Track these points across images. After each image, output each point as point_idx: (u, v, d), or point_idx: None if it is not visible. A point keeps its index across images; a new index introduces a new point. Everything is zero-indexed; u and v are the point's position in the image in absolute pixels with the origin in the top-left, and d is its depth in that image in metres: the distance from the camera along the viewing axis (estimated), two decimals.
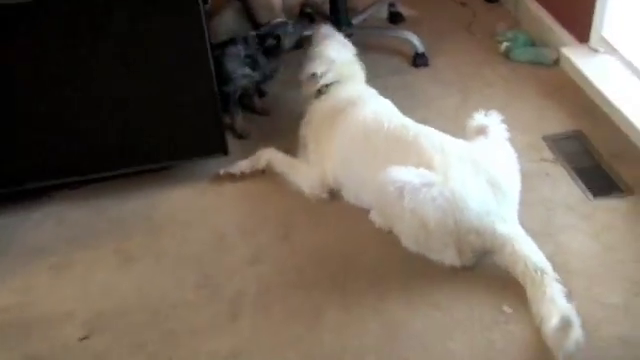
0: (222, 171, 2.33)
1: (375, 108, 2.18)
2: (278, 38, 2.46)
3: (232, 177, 2.33)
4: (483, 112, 2.10)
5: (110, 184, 2.34)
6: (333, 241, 2.09)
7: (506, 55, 2.79)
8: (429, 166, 1.92)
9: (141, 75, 2.11)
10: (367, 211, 2.12)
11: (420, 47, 2.81)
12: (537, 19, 2.85)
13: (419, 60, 2.82)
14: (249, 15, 2.53)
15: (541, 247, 1.93)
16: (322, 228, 2.13)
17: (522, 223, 1.96)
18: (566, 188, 2.19)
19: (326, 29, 2.45)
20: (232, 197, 2.29)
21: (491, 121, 2.06)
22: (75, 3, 1.96)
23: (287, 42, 2.49)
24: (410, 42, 2.82)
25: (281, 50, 2.48)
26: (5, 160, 2.20)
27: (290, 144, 2.36)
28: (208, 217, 2.22)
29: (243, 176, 2.33)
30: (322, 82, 2.32)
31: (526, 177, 2.12)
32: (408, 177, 1.89)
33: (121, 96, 2.14)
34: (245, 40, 2.44)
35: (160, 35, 2.05)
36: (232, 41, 2.44)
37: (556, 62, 2.70)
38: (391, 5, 3.12)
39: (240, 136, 2.50)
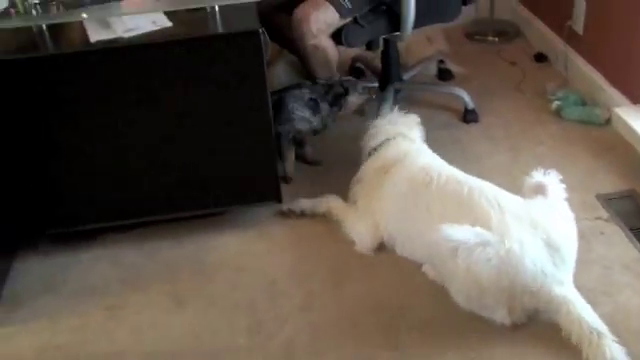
0: (285, 207, 2.37)
1: (422, 163, 2.20)
2: (346, 90, 2.52)
3: (288, 216, 2.38)
4: (542, 170, 2.07)
5: (161, 228, 2.37)
6: (386, 291, 2.07)
7: (557, 114, 2.81)
8: (486, 223, 1.91)
9: (199, 122, 2.16)
10: (420, 262, 2.12)
11: (470, 103, 2.84)
12: (588, 79, 2.87)
13: (469, 116, 2.84)
14: (307, 71, 2.59)
15: (599, 306, 1.91)
16: (375, 277, 2.13)
17: (579, 281, 1.94)
18: (622, 247, 2.17)
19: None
20: (283, 243, 2.30)
21: (550, 180, 2.04)
22: (136, 51, 2.02)
23: (354, 99, 2.55)
24: (461, 98, 2.85)
25: (346, 103, 2.53)
26: (59, 201, 2.24)
27: (341, 193, 2.37)
28: (259, 262, 2.23)
29: (299, 217, 2.37)
30: (371, 145, 2.37)
31: (581, 235, 2.09)
32: (463, 236, 1.86)
33: (177, 142, 2.19)
34: (312, 85, 2.50)
35: (220, 82, 2.10)
36: (299, 85, 2.50)
37: (607, 122, 2.71)
38: (441, 62, 3.17)
39: (284, 179, 2.53)
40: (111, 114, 2.11)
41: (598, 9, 2.81)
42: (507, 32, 3.45)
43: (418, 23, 2.54)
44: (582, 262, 2.02)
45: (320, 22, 2.38)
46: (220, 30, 2.03)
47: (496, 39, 3.42)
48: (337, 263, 2.19)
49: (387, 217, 2.19)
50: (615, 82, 2.73)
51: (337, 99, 2.53)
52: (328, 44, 2.45)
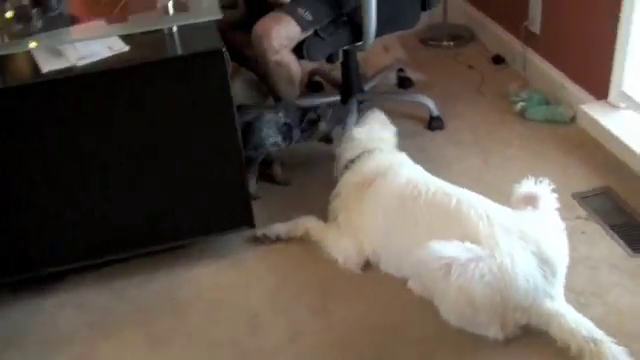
0: (259, 232, 2.25)
1: (408, 175, 2.13)
2: (319, 116, 2.47)
3: (262, 242, 2.26)
4: (532, 179, 2.02)
5: (128, 264, 2.22)
6: (375, 311, 1.99)
7: (521, 115, 2.79)
8: (474, 237, 1.85)
9: (164, 149, 2.04)
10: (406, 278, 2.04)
11: (435, 110, 2.80)
12: (548, 78, 2.86)
13: (435, 123, 2.80)
14: (269, 88, 2.51)
15: (590, 308, 1.90)
16: (361, 297, 2.04)
17: (567, 284, 1.91)
18: (605, 245, 2.15)
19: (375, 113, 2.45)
20: (260, 270, 2.20)
21: (542, 190, 1.99)
22: (92, 79, 1.88)
23: (324, 126, 2.49)
24: (425, 105, 2.81)
25: (317, 129, 2.47)
26: (18, 246, 2.08)
27: (315, 213, 2.29)
28: (237, 293, 2.12)
29: (274, 242, 2.26)
30: (347, 157, 2.29)
31: None
32: (454, 252, 1.80)
33: (142, 172, 2.06)
34: (286, 108, 2.43)
35: (184, 105, 1.98)
36: (273, 107, 2.42)
37: (572, 119, 2.70)
38: (400, 70, 3.12)
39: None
40: (67, 148, 1.96)
41: (554, 8, 2.81)
42: (461, 36, 3.43)
43: (379, 32, 2.48)
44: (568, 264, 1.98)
45: (281, 37, 2.29)
46: (181, 51, 1.92)
47: (451, 43, 3.39)
48: (319, 286, 2.10)
49: (371, 233, 2.10)
50: (577, 79, 2.73)
51: (310, 125, 2.47)
52: (291, 59, 2.36)
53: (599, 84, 2.58)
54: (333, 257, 2.15)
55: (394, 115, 2.87)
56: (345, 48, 2.58)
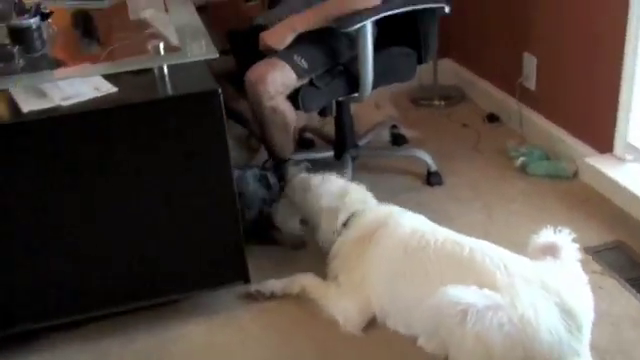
0: (253, 288, 2.10)
1: (412, 225, 2.00)
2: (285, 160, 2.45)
3: (256, 298, 2.12)
4: (551, 229, 1.90)
5: (112, 322, 2.05)
6: None
7: (522, 170, 2.71)
8: (492, 287, 1.71)
9: (153, 197, 1.90)
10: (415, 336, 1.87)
11: (433, 165, 2.71)
12: (546, 133, 2.80)
13: (433, 179, 2.70)
14: (262, 138, 2.42)
15: None
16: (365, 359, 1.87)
17: (591, 342, 1.75)
18: (624, 300, 2.03)
19: (299, 181, 2.30)
20: (256, 329, 2.03)
21: (562, 240, 1.87)
22: (78, 120, 1.76)
23: (293, 169, 2.40)
24: (422, 161, 2.72)
25: (287, 171, 2.38)
26: None
27: (311, 271, 2.14)
28: (231, 355, 1.95)
29: (269, 299, 2.11)
30: (341, 219, 2.14)
31: None
32: (472, 298, 1.66)
33: (129, 222, 1.91)
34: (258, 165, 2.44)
35: (177, 150, 1.86)
36: (247, 166, 2.40)
37: (575, 174, 2.63)
38: (393, 127, 3.04)
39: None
40: (48, 196, 1.81)
41: (551, 63, 2.77)
42: (452, 96, 3.38)
43: (375, 83, 2.41)
44: None
45: (277, 83, 2.20)
46: (174, 92, 1.81)
47: (442, 103, 3.34)
48: (319, 346, 1.94)
49: (377, 287, 1.96)
50: (577, 133, 2.67)
51: (280, 167, 2.43)
52: (286, 106, 2.26)
53: (602, 137, 2.52)
54: (333, 317, 1.99)
55: (389, 172, 2.82)
56: (341, 99, 2.50)
